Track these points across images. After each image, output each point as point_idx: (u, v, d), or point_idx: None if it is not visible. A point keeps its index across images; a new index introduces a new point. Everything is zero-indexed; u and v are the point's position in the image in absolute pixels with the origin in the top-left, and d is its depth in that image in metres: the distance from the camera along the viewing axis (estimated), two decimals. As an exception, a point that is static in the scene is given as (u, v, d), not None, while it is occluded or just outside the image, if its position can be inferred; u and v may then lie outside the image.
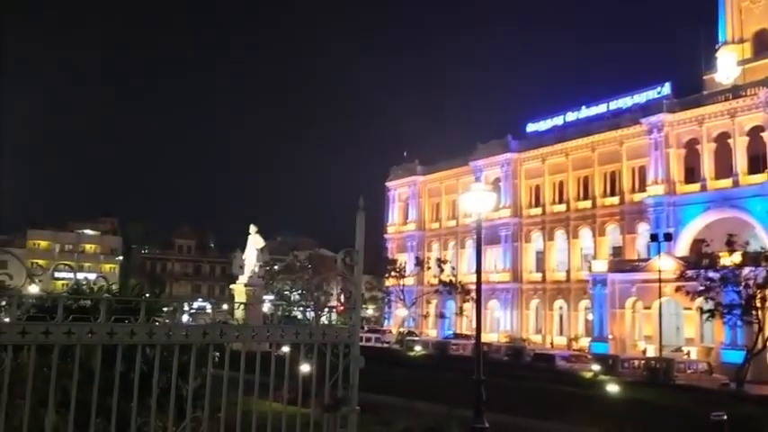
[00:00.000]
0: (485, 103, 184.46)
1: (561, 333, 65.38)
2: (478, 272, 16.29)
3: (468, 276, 73.68)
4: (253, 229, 37.10)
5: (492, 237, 72.06)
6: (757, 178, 51.22)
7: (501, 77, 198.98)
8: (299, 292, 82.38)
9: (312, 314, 6.85)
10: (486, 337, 65.42)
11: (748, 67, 56.78)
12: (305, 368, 6.47)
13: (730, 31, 59.99)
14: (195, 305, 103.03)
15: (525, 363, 41.37)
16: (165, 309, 8.06)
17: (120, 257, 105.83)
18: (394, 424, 15.51)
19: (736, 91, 54.26)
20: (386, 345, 56.00)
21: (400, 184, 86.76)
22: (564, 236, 67.00)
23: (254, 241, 36.97)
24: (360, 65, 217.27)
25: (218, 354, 6.55)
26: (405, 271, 71.20)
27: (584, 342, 58.13)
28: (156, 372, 5.24)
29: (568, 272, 65.55)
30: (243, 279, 36.99)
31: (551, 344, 63.05)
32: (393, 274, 69.66)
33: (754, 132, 52.31)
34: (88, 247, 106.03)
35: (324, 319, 6.90)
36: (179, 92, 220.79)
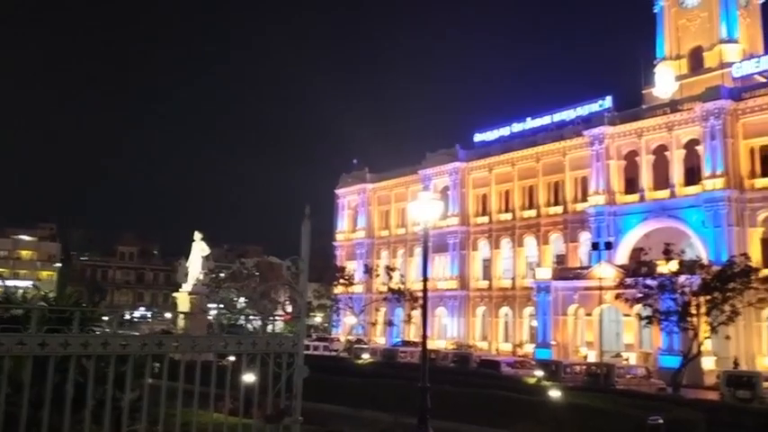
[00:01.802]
0: (436, 113, 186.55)
1: (507, 339, 66.46)
2: (425, 280, 16.43)
3: (417, 284, 73.96)
4: (198, 235, 36.31)
5: (440, 245, 72.81)
6: (693, 189, 53.38)
7: (452, 88, 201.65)
8: (246, 300, 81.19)
9: (258, 323, 6.79)
10: (434, 345, 65.85)
11: (685, 83, 59.22)
12: (248, 378, 6.39)
13: (668, 48, 62.49)
14: (137, 314, 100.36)
15: (471, 369, 41.70)
16: (104, 318, 7.85)
17: (59, 264, 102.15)
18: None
19: (673, 105, 56.53)
20: (334, 353, 55.63)
21: (350, 191, 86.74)
22: (510, 244, 68.26)
23: (199, 248, 36.18)
24: (311, 73, 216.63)
25: (158, 364, 6.41)
26: (353, 278, 71.07)
27: (529, 348, 59.23)
28: (91, 383, 5.08)
29: (514, 279, 66.77)
30: (186, 287, 36.11)
31: (497, 350, 64.00)
32: (342, 281, 69.45)
33: (690, 145, 54.56)
34: (24, 253, 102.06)
35: (270, 328, 6.84)
36: (124, 96, 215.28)
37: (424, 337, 15.80)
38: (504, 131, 71.17)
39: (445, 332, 70.86)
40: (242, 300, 74.66)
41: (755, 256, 46.09)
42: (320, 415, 15.92)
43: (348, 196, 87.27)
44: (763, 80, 54.51)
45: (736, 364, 44.72)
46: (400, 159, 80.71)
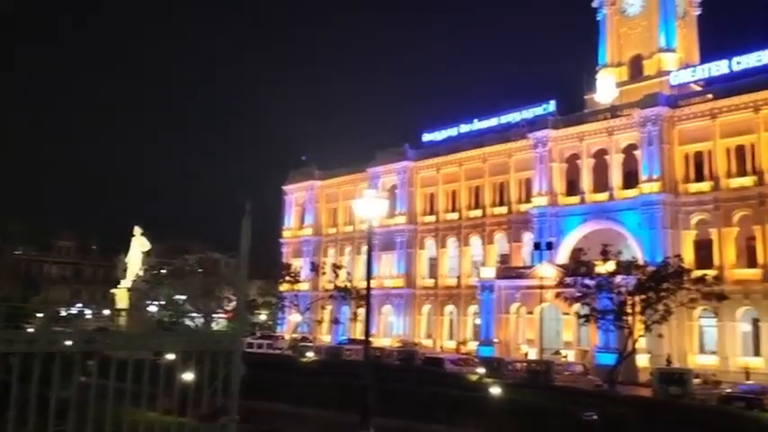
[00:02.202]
0: (386, 113, 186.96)
1: (451, 337, 67.24)
2: (368, 277, 16.49)
3: (364, 282, 73.89)
4: (137, 230, 35.37)
5: (387, 243, 73.08)
6: (630, 193, 55.20)
7: (401, 88, 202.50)
8: (188, 297, 79.66)
9: (201, 321, 6.67)
10: (380, 342, 66.10)
11: (625, 89, 61.11)
12: (186, 377, 6.28)
13: (610, 55, 64.38)
14: (74, 310, 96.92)
15: (416, 367, 42.11)
16: (38, 314, 7.57)
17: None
18: None
19: (613, 111, 58.29)
20: (278, 351, 55.16)
21: (298, 188, 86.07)
22: (456, 243, 69.09)
23: (140, 243, 35.26)
24: (262, 69, 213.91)
25: (92, 362, 6.23)
26: (299, 276, 70.59)
27: (473, 346, 60.09)
28: (15, 382, 4.90)
29: (459, 278, 67.63)
30: (126, 283, 35.12)
31: (441, 348, 64.73)
32: (287, 279, 68.87)
33: (629, 150, 56.40)
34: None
35: (213, 326, 6.74)
36: (66, 87, 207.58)
37: (367, 334, 15.87)
38: (452, 132, 71.96)
39: (391, 330, 71.19)
40: (184, 297, 73.25)
41: (688, 258, 48.01)
42: (261, 413, 15.78)
43: (296, 193, 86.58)
44: (699, 89, 56.84)
45: (668, 361, 46.54)
46: (349, 157, 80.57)
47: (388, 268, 73.73)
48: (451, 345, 65.32)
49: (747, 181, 50.00)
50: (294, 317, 70.26)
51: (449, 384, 32.39)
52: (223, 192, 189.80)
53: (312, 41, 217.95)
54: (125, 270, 36.17)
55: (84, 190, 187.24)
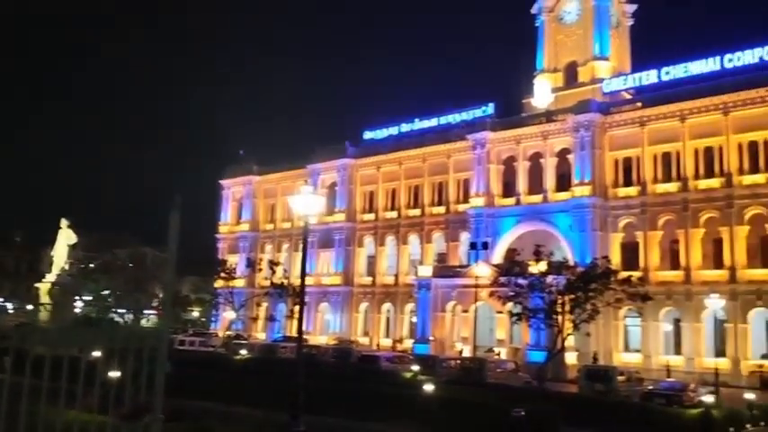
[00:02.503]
0: (328, 110, 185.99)
1: (388, 335, 67.69)
2: (303, 274, 16.37)
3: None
4: (64, 222, 33.97)
5: (326, 240, 72.82)
6: (563, 195, 56.94)
7: (346, 85, 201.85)
8: (116, 292, 77.11)
9: (130, 316, 6.46)
10: (316, 340, 65.82)
11: (560, 95, 62.96)
12: (110, 374, 6.08)
13: (547, 61, 66.18)
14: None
15: (351, 365, 42.10)
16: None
17: None
18: (210, 431, 15.05)
19: (548, 116, 60.00)
20: (211, 348, 54.04)
21: (235, 182, 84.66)
22: (394, 242, 69.55)
23: (66, 236, 33.87)
24: (200, 61, 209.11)
25: (6, 358, 5.93)
26: (235, 272, 69.37)
27: (409, 344, 60.65)
28: None
29: (397, 276, 68.13)
30: (51, 277, 33.69)
31: (378, 346, 65.04)
32: (222, 275, 67.55)
33: (563, 154, 58.17)
34: None
35: (144, 322, 6.54)
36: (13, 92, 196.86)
37: (300, 332, 15.76)
38: (393, 131, 72.40)
39: (328, 328, 71.04)
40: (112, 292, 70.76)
41: (615, 260, 49.90)
42: (192, 412, 15.46)
43: (233, 188, 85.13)
44: (629, 97, 59.15)
45: (595, 358, 48.30)
46: (289, 153, 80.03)
47: (326, 266, 73.48)
48: (388, 343, 65.74)
49: (672, 187, 52.38)
50: (228, 314, 68.98)
51: (384, 382, 32.53)
52: (161, 187, 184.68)
53: (255, 40, 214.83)
54: (51, 264, 34.72)
55: (8, 179, 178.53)
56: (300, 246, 74.36)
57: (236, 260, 75.34)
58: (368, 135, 74.40)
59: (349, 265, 71.73)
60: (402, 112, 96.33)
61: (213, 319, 76.92)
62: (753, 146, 49.24)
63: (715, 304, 38.03)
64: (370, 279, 70.73)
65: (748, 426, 26.76)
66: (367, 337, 68.80)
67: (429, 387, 25.34)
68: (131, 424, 5.92)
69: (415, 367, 37.51)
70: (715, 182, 50.34)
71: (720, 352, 46.66)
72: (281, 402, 18.30)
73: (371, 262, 71.69)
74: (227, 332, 65.93)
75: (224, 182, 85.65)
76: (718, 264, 49.84)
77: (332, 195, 75.15)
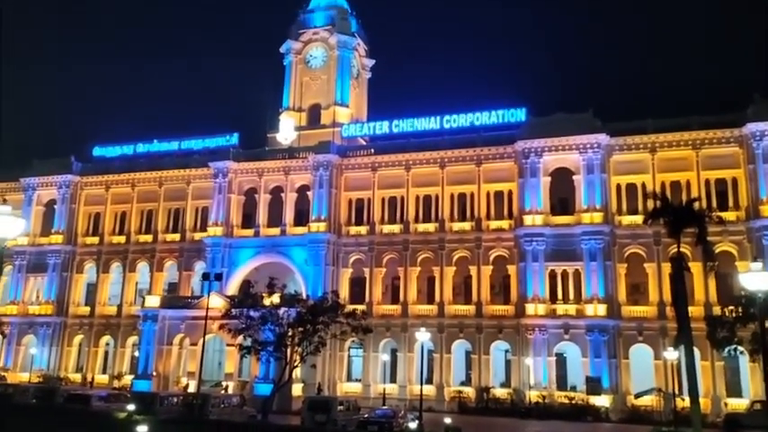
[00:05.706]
0: (52, 120, 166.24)
1: (105, 371, 62.04)
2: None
3: (7, 307, 64.34)
4: None
5: (39, 264, 64.97)
6: (300, 230, 58.73)
7: (77, 98, 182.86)
8: None
9: None
10: (17, 377, 57.65)
11: (303, 134, 65.28)
12: None
13: (292, 100, 68.27)
14: None
15: (57, 405, 37.58)
16: None
17: None
18: None
19: (291, 152, 61.81)
20: None
21: None
22: (120, 269, 64.57)
23: None
24: None
25: None
26: None
27: (129, 379, 56.29)
28: None
29: (120, 306, 63.19)
30: None
31: (91, 382, 59.18)
32: None
33: (302, 190, 60.21)
34: None
35: None
36: None
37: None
38: (128, 150, 67.90)
39: (33, 363, 62.57)
40: None
41: (345, 293, 52.69)
42: None
43: None
44: (364, 143, 63.78)
45: (319, 389, 50.00)
46: (5, 163, 69.94)
47: (37, 293, 65.26)
48: (105, 379, 60.24)
49: (396, 228, 57.42)
50: None
51: (93, 424, 29.66)
52: None
53: None
54: None
55: None
56: (6, 269, 65.24)
57: None
58: (98, 152, 68.64)
59: (64, 292, 64.57)
60: (140, 133, 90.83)
61: None
62: (462, 197, 56.45)
63: (425, 336, 42.09)
64: (89, 309, 64.42)
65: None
66: (80, 372, 62.23)
67: (143, 429, 23.67)
68: None
69: (131, 407, 34.78)
70: (431, 226, 56.42)
71: (428, 380, 51.82)
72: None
73: (91, 290, 65.45)
74: None
75: None
76: (431, 299, 55.66)
77: (50, 214, 67.40)
